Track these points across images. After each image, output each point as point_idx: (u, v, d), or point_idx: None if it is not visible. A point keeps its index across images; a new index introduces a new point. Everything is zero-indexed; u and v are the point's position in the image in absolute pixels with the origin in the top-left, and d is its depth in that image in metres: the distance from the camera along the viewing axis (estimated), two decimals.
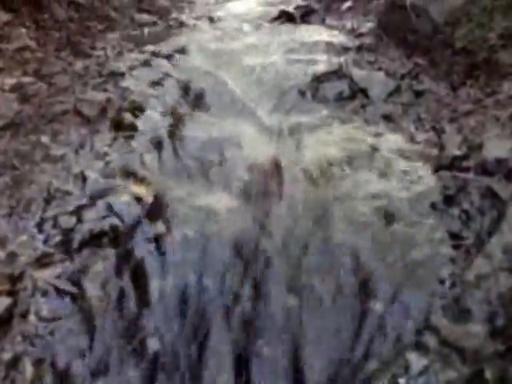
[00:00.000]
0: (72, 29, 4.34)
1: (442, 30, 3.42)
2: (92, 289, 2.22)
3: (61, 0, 4.59)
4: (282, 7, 5.12)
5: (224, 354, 2.11)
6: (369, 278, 2.16)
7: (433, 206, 2.28)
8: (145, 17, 5.02)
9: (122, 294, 2.22)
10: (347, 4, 4.76)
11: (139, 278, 2.27)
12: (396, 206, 2.35)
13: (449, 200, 2.26)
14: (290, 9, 4.90)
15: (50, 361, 2.04)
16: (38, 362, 2.04)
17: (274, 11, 5.06)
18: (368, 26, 4.10)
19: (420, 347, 1.89)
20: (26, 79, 3.41)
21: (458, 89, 3.15)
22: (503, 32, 3.06)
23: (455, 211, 2.21)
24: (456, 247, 2.09)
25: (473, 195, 2.21)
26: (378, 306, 2.10)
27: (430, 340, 1.89)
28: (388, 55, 3.69)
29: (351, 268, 2.21)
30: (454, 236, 2.13)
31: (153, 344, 2.13)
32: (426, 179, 2.45)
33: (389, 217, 2.31)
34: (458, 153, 2.48)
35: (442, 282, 2.06)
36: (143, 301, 2.21)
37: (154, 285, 2.25)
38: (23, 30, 3.98)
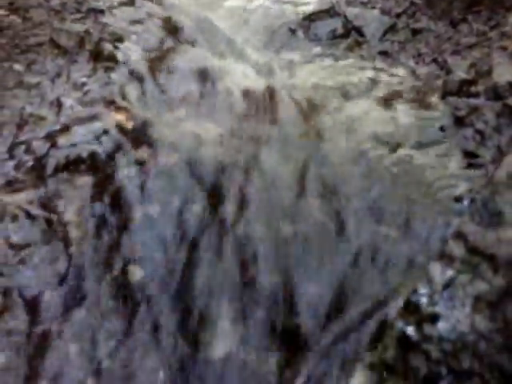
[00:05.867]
0: None
1: None
2: (68, 214, 2.01)
3: None
4: None
5: (216, 284, 1.91)
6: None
7: (442, 128, 2.09)
8: None
9: (101, 221, 2.01)
10: None
11: (120, 205, 2.06)
12: (401, 132, 2.16)
13: (460, 122, 2.07)
14: None
15: (19, 291, 1.84)
16: (6, 292, 1.83)
17: None
18: None
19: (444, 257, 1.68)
20: None
21: (459, 24, 2.97)
22: None
23: (468, 132, 2.01)
24: (472, 165, 1.89)
25: (487, 115, 2.02)
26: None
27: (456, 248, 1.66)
28: None
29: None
30: (469, 154, 1.93)
31: (135, 273, 1.93)
32: (434, 105, 2.26)
33: (394, 143, 2.11)
34: (466, 76, 2.29)
35: (458, 200, 1.86)
36: (124, 228, 2.01)
37: (137, 211, 2.04)
38: None
